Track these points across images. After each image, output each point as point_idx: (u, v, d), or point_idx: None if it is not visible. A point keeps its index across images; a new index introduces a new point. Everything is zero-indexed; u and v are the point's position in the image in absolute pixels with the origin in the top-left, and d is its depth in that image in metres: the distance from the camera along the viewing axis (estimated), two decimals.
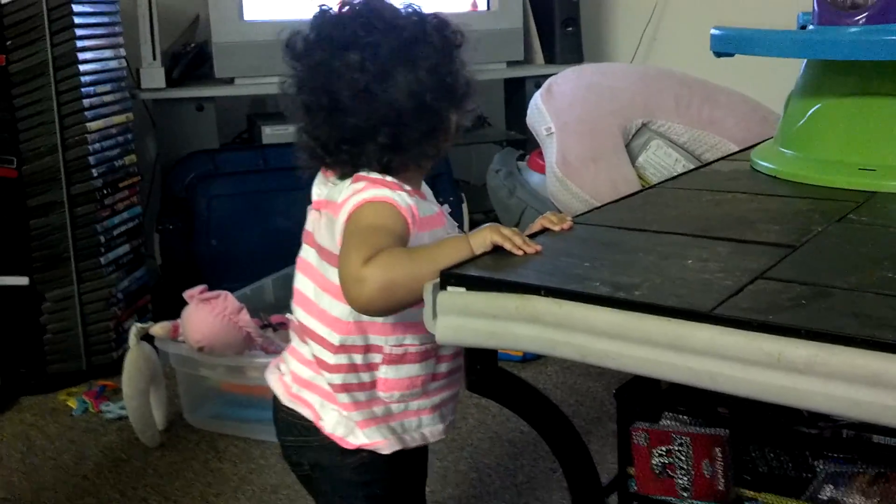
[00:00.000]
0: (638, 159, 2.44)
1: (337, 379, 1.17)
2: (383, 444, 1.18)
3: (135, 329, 1.95)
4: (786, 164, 1.48)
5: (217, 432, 2.04)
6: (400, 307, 1.06)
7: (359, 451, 1.18)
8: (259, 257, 2.66)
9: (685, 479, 1.17)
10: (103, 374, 2.29)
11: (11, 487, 1.85)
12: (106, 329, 2.31)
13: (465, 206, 2.93)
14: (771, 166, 1.50)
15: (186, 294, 1.97)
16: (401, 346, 1.16)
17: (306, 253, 1.24)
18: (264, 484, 1.83)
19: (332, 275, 1.14)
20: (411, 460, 1.24)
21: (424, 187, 1.23)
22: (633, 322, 0.90)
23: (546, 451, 1.91)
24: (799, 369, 0.81)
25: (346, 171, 1.16)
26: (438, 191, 3.03)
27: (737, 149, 1.97)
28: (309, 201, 1.27)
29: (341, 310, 1.15)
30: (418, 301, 1.04)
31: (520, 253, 1.07)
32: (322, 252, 1.18)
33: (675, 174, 1.82)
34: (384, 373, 1.17)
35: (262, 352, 2.01)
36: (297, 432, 1.21)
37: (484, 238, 1.08)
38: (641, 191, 1.50)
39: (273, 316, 2.23)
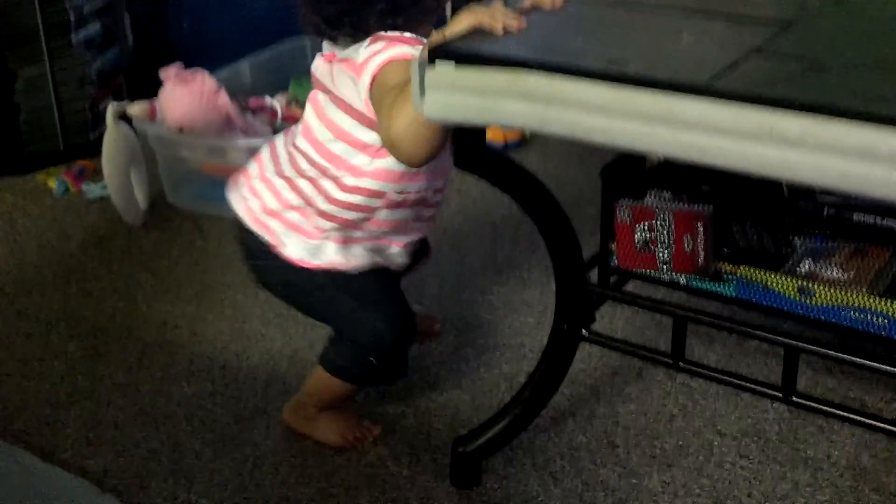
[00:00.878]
0: None
1: (332, 210, 1.26)
2: (343, 263, 1.29)
3: (111, 108, 1.92)
4: None
5: (200, 212, 2.05)
6: (439, 140, 1.06)
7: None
8: (233, 39, 2.59)
9: (665, 252, 1.20)
10: (81, 155, 2.28)
11: None
12: (81, 108, 2.28)
13: None
14: None
15: (163, 73, 1.93)
16: (401, 192, 1.26)
17: (316, 98, 1.29)
18: None
19: (347, 124, 1.23)
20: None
21: None
22: (626, 96, 0.89)
23: (525, 234, 1.95)
24: (791, 142, 0.81)
25: (351, 42, 1.20)
26: None
27: None
28: None
29: (360, 159, 1.24)
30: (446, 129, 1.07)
31: (500, 30, 1.03)
32: (338, 102, 1.24)
33: None
34: (380, 215, 1.27)
35: (242, 134, 2.00)
36: (263, 256, 1.31)
37: (458, 22, 1.04)
38: None
39: (251, 99, 2.20)
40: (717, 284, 1.21)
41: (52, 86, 2.22)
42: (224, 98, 1.94)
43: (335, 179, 1.26)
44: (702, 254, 1.18)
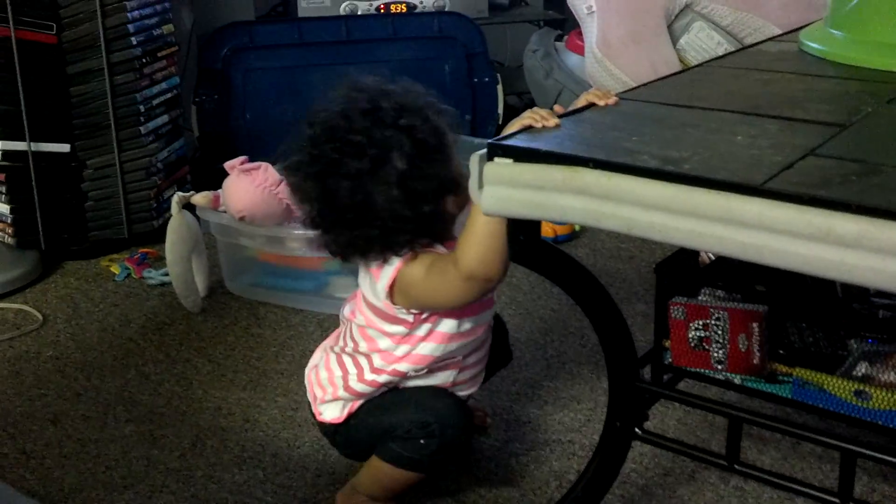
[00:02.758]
0: (679, 41, 2.41)
1: (363, 389, 1.35)
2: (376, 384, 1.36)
3: (177, 197, 1.99)
4: (836, 45, 1.46)
5: (257, 300, 2.09)
6: (506, 252, 1.14)
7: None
8: (293, 131, 2.67)
9: (720, 352, 1.20)
10: (144, 242, 2.35)
11: (59, 346, 1.92)
12: (146, 198, 2.35)
13: (499, 88, 2.90)
14: (820, 47, 1.48)
15: (228, 165, 1.99)
16: (426, 368, 1.33)
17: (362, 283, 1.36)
18: (304, 349, 1.89)
19: (371, 316, 1.32)
20: None
21: None
22: (682, 195, 0.91)
23: (576, 328, 1.95)
24: (848, 243, 0.82)
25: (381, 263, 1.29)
26: (474, 69, 3.02)
27: (781, 32, 1.93)
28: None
29: (386, 343, 1.32)
30: (501, 246, 1.14)
31: (539, 125, 1.10)
32: (365, 298, 1.33)
33: (716, 57, 1.80)
34: (412, 382, 1.35)
35: (301, 224, 2.04)
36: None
37: (510, 127, 1.12)
38: (687, 69, 1.48)
39: None
40: (772, 385, 1.20)
41: (120, 175, 2.30)
42: (285, 189, 1.99)
43: (368, 357, 1.35)
44: (757, 354, 1.18)
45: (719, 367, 1.21)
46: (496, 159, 1.03)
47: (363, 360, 1.34)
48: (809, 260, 0.84)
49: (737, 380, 1.21)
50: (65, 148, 2.24)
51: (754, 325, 1.17)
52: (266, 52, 2.74)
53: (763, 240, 0.87)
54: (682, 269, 1.28)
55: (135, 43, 2.26)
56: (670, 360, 1.26)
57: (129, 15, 2.24)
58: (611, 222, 0.97)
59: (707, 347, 1.21)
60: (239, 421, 1.66)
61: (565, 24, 3.11)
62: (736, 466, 1.23)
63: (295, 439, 1.60)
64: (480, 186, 1.04)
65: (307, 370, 1.44)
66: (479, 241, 1.13)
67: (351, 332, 1.37)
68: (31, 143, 2.19)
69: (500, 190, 1.03)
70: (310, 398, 1.41)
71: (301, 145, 1.27)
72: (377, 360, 1.33)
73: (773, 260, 0.87)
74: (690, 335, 1.21)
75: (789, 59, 1.50)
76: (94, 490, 1.48)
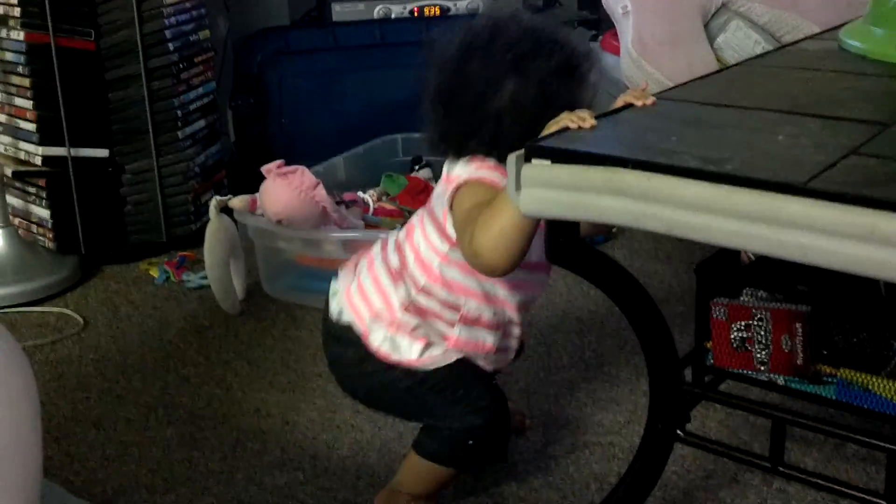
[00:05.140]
0: (716, 40, 2.39)
1: (409, 320, 1.32)
2: (427, 361, 1.32)
3: (215, 202, 2.00)
4: (877, 43, 1.44)
5: (294, 302, 2.10)
6: (520, 250, 1.15)
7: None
8: (329, 136, 2.69)
9: (763, 353, 1.19)
10: (182, 246, 2.37)
11: (100, 349, 1.94)
12: (184, 202, 2.37)
13: None
14: (861, 45, 1.46)
15: (264, 168, 2.01)
16: (476, 310, 1.31)
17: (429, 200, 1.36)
18: None
19: (429, 228, 1.31)
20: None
21: None
22: (724, 195, 0.91)
23: (613, 329, 1.94)
24: (892, 242, 0.81)
25: (455, 157, 1.29)
26: None
27: (819, 31, 1.91)
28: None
29: (435, 261, 1.30)
30: (530, 237, 1.14)
31: (574, 126, 1.10)
32: (429, 207, 1.33)
33: (755, 56, 1.78)
34: (457, 332, 1.32)
35: (337, 227, 2.05)
36: (347, 362, 1.37)
37: (548, 128, 1.13)
38: (726, 68, 1.47)
39: (345, 193, 2.27)
40: (815, 386, 1.19)
41: (158, 179, 2.32)
42: (321, 192, 2.00)
43: (413, 279, 1.32)
44: (800, 354, 1.17)
45: (762, 367, 1.20)
46: (534, 161, 1.03)
47: (409, 280, 1.32)
48: (853, 259, 0.84)
49: (780, 381, 1.20)
50: (103, 153, 2.27)
51: (797, 325, 1.16)
52: (301, 56, 2.76)
53: (806, 239, 0.86)
54: (722, 270, 1.28)
55: (172, 49, 2.29)
56: (712, 361, 1.25)
57: (165, 21, 2.26)
58: (651, 223, 0.97)
59: (749, 348, 1.20)
60: (278, 423, 1.66)
61: (600, 25, 3.10)
62: (780, 468, 1.22)
63: (334, 441, 1.61)
64: (518, 188, 1.04)
65: (341, 288, 1.41)
66: (499, 228, 1.13)
67: (401, 249, 1.35)
68: (71, 149, 2.22)
69: (538, 192, 1.03)
70: (353, 313, 1.36)
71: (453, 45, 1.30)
72: (422, 280, 1.31)
73: (817, 259, 0.86)
74: (732, 336, 1.21)
75: (829, 57, 1.49)
76: (138, 492, 1.49)
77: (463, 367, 1.34)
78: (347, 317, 1.36)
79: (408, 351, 1.32)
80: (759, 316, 1.18)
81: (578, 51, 1.27)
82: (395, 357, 1.32)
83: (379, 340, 1.33)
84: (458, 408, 1.31)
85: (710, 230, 0.93)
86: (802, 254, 0.87)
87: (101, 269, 2.32)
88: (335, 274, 1.46)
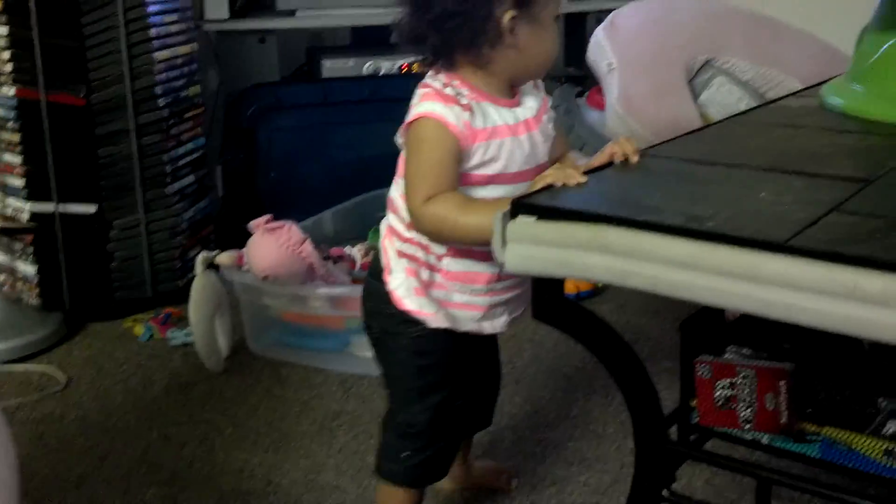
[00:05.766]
0: (700, 97, 2.41)
1: (406, 249, 1.26)
2: (431, 316, 1.26)
3: (201, 257, 2.00)
4: (857, 100, 1.46)
5: (279, 360, 2.09)
6: (458, 244, 1.17)
7: (418, 323, 1.27)
8: (318, 190, 2.69)
9: (748, 411, 1.18)
10: (168, 302, 2.35)
11: (82, 408, 1.92)
12: (171, 257, 2.36)
13: None
14: (842, 102, 1.48)
15: (252, 224, 2.01)
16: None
17: None
18: (325, 410, 1.88)
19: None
20: (471, 344, 1.32)
21: (530, 95, 1.26)
22: (707, 252, 0.91)
23: (600, 386, 1.93)
24: (875, 300, 0.81)
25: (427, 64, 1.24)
26: None
27: (802, 87, 1.94)
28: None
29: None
30: (466, 244, 1.17)
31: (560, 183, 1.10)
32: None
33: (738, 112, 1.80)
34: (447, 264, 1.25)
35: (323, 282, 2.05)
36: (374, 299, 1.31)
37: (534, 185, 1.13)
38: (709, 125, 1.49)
39: (333, 248, 2.27)
40: (800, 445, 1.18)
41: (145, 235, 2.32)
42: (308, 248, 2.00)
43: (400, 215, 1.27)
44: (785, 413, 1.16)
45: (747, 426, 1.19)
46: (520, 217, 1.03)
47: (401, 216, 1.27)
48: (836, 318, 0.83)
49: (765, 439, 1.19)
50: (91, 209, 2.26)
51: (782, 383, 1.15)
52: (291, 111, 2.77)
53: (789, 298, 0.86)
54: (707, 326, 1.27)
55: (162, 105, 2.30)
56: (697, 419, 1.24)
57: (156, 77, 2.27)
58: (636, 281, 0.97)
59: (734, 406, 1.19)
60: (261, 484, 1.64)
61: (586, 81, 3.13)
62: None
63: (317, 502, 1.58)
64: (504, 244, 1.04)
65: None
66: (454, 224, 1.14)
67: (392, 192, 1.30)
68: (59, 205, 2.22)
69: (524, 248, 1.03)
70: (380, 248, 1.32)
71: None
72: (407, 214, 1.25)
73: (800, 318, 0.86)
74: (717, 394, 1.20)
75: (811, 114, 1.50)
76: None
77: (457, 371, 1.32)
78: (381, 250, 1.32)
79: (413, 299, 1.27)
80: (743, 374, 1.17)
81: None
82: (405, 302, 1.27)
83: (395, 281, 1.28)
84: (414, 395, 1.30)
85: (694, 288, 0.93)
86: (785, 312, 0.87)
87: (86, 326, 2.30)
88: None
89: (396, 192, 1.27)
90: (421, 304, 1.26)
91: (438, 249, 1.24)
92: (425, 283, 1.26)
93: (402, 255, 1.27)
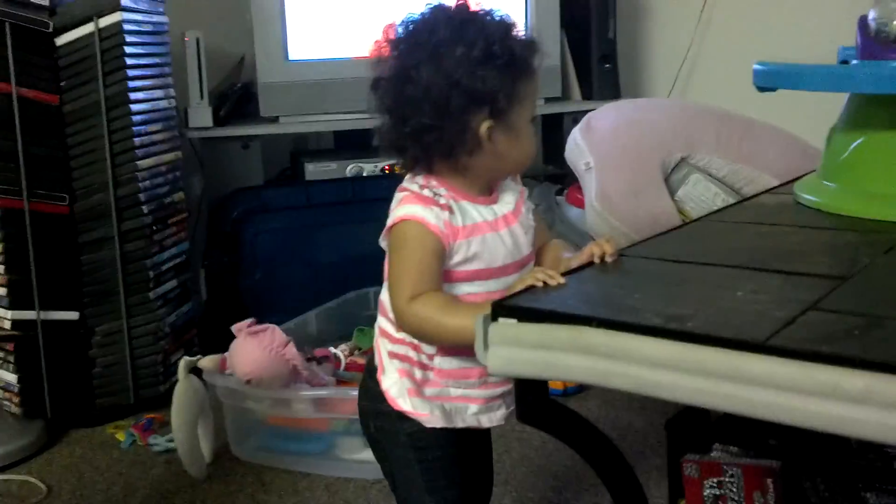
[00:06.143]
0: (677, 193, 2.46)
1: (397, 349, 1.26)
2: (427, 417, 1.25)
3: (184, 362, 1.99)
4: (830, 196, 1.49)
5: (263, 465, 2.06)
6: (440, 344, 1.18)
7: (413, 420, 1.25)
8: (302, 291, 2.70)
9: None
10: (150, 408, 2.33)
11: None
12: (154, 363, 2.35)
13: None
14: (815, 199, 1.51)
15: (235, 327, 2.01)
16: None
17: None
18: None
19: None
20: (469, 439, 1.31)
21: (508, 191, 1.27)
22: (688, 353, 0.91)
23: (590, 485, 1.91)
24: (855, 399, 0.82)
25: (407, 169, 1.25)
26: None
27: (777, 183, 1.98)
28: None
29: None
30: (448, 345, 1.18)
31: (540, 284, 1.12)
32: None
33: (715, 208, 1.83)
34: (438, 363, 1.25)
35: (307, 384, 2.04)
36: (369, 397, 1.30)
37: (514, 287, 1.15)
38: (686, 224, 1.51)
39: (317, 349, 2.26)
40: None
41: (128, 341, 2.31)
42: (292, 350, 2.00)
43: (389, 317, 1.26)
44: None
45: None
46: (500, 319, 1.04)
47: (390, 318, 1.26)
48: (818, 416, 0.84)
49: None
50: (73, 315, 2.26)
51: (769, 481, 1.15)
52: (275, 214, 2.80)
53: (770, 397, 0.86)
54: (693, 425, 1.27)
55: (146, 211, 2.31)
56: None
57: (140, 185, 2.29)
58: (618, 381, 0.97)
59: None
60: None
61: (565, 179, 3.18)
62: None
63: None
64: (486, 347, 1.05)
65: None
66: (446, 324, 1.14)
67: (382, 294, 1.29)
68: (41, 312, 2.21)
69: (505, 350, 1.03)
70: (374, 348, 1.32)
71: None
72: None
73: (782, 417, 0.86)
74: (705, 493, 1.19)
75: (786, 210, 1.53)
76: None
77: (461, 464, 1.29)
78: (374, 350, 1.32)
79: (407, 400, 1.25)
80: (730, 472, 1.17)
81: (502, 37, 1.17)
82: (399, 402, 1.26)
83: (388, 382, 1.27)
84: (424, 494, 1.27)
85: (675, 388, 0.93)
86: (768, 411, 0.87)
87: (67, 434, 2.27)
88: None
89: (386, 295, 1.27)
90: (415, 404, 1.25)
91: (429, 349, 1.24)
92: (419, 382, 1.26)
93: (393, 356, 1.26)
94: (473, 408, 1.27)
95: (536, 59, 1.21)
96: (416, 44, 1.18)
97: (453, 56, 1.15)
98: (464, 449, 1.30)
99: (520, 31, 1.20)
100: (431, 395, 1.26)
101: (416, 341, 1.24)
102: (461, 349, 1.23)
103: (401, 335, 1.25)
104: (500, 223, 1.23)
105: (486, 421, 1.29)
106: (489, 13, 1.20)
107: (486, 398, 1.28)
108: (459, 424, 1.27)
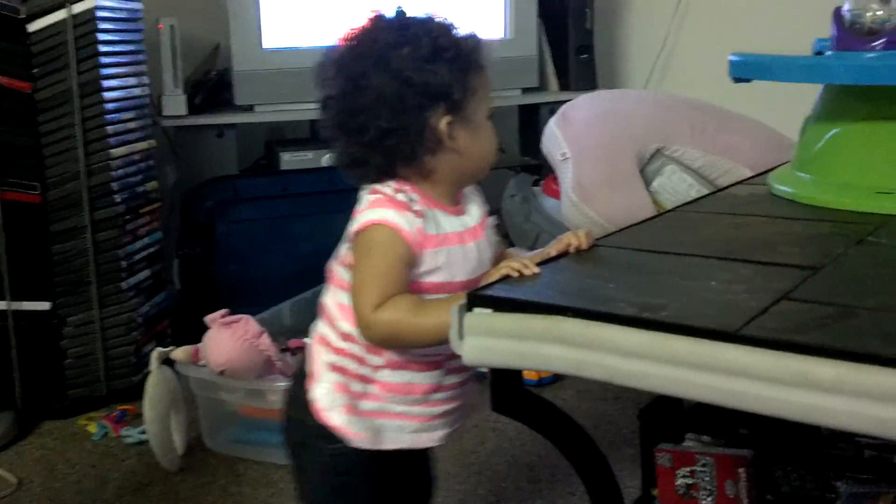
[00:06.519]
0: (652, 184, 2.47)
1: (338, 361, 1.20)
2: (354, 436, 1.19)
3: (156, 353, 1.97)
4: (804, 187, 1.50)
5: (236, 456, 2.05)
6: (407, 348, 1.14)
7: (339, 441, 1.20)
8: (277, 282, 2.69)
9: (709, 499, 1.18)
10: (122, 399, 2.31)
11: None
12: (126, 353, 2.33)
13: None
14: (789, 190, 1.52)
15: (208, 318, 1.99)
16: (404, 353, 1.19)
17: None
18: None
19: (344, 274, 1.21)
20: (400, 460, 1.25)
21: (473, 203, 1.26)
22: (661, 342, 0.91)
23: (564, 475, 1.91)
24: (826, 388, 0.82)
25: (366, 180, 1.21)
26: None
27: (751, 174, 1.99)
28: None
29: (346, 297, 1.19)
30: (424, 345, 1.13)
31: (515, 274, 1.11)
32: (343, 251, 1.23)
33: (689, 199, 1.84)
34: (384, 376, 1.20)
35: (281, 375, 2.03)
36: (296, 406, 1.24)
37: (489, 277, 1.13)
38: (661, 214, 1.52)
39: (291, 340, 2.25)
40: None
41: (100, 331, 2.29)
42: (266, 341, 1.99)
43: (335, 325, 1.22)
44: (745, 499, 1.16)
45: None
46: (476, 309, 1.04)
47: (335, 325, 1.22)
48: (789, 405, 0.84)
49: None
50: (45, 306, 2.24)
51: (741, 470, 1.16)
52: (250, 204, 2.78)
53: (742, 386, 0.86)
54: (666, 414, 1.28)
55: (119, 200, 2.29)
56: None
57: (113, 174, 2.27)
58: (592, 371, 0.97)
59: (695, 495, 1.19)
60: None
61: (541, 170, 3.18)
62: None
63: None
64: (461, 337, 1.04)
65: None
66: (423, 324, 1.09)
67: (326, 299, 1.26)
68: (12, 303, 2.19)
69: (481, 340, 1.03)
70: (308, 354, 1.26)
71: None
72: (345, 325, 1.20)
73: (754, 406, 0.86)
74: (678, 483, 1.20)
75: (760, 201, 1.54)
76: None
77: (374, 484, 1.24)
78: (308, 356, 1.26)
79: (339, 415, 1.20)
80: (703, 462, 1.17)
81: (446, 33, 1.16)
82: (330, 416, 1.20)
83: (321, 393, 1.21)
84: None
85: (648, 378, 0.93)
86: (740, 400, 0.87)
87: (39, 425, 2.25)
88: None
89: (331, 299, 1.23)
90: (345, 420, 1.20)
91: (376, 360, 1.19)
92: (356, 395, 1.20)
93: (332, 367, 1.21)
94: (412, 425, 1.22)
95: (483, 52, 1.19)
96: (360, 54, 1.16)
97: (401, 56, 1.13)
98: (390, 472, 1.25)
99: (461, 29, 1.19)
100: (368, 411, 1.20)
101: (359, 352, 1.19)
102: (410, 363, 1.19)
103: (344, 345, 1.20)
104: (468, 236, 1.21)
105: (427, 439, 1.24)
106: (429, 15, 1.19)
107: (427, 416, 1.23)
108: (388, 446, 1.22)
